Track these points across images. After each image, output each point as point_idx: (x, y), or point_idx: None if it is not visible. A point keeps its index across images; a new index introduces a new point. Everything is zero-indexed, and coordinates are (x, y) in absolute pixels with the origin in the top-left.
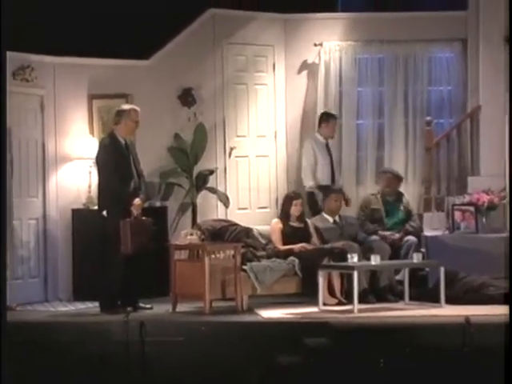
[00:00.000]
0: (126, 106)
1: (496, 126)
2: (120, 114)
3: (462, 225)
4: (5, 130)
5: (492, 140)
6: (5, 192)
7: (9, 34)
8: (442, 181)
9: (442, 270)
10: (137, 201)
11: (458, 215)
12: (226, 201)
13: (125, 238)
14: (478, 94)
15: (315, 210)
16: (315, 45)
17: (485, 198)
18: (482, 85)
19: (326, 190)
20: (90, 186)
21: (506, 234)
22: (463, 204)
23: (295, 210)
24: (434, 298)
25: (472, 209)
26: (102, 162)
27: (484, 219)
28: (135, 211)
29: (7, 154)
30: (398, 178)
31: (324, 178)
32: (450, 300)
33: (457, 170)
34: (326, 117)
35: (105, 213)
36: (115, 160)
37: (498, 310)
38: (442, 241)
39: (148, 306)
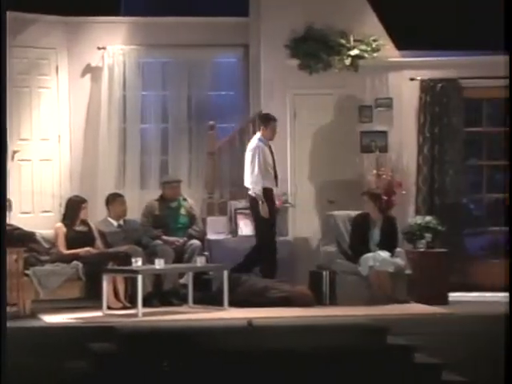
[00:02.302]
0: None
1: (279, 131)
2: None
3: (244, 228)
4: (5, 128)
5: (276, 145)
6: (5, 191)
7: None
8: (224, 185)
9: (226, 273)
10: None
11: (240, 219)
12: (8, 205)
13: None
14: (259, 99)
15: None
16: (99, 48)
17: None
18: (264, 90)
19: (109, 195)
20: None
21: (288, 238)
22: (245, 208)
23: (84, 213)
24: (218, 302)
25: None
26: None
27: None
28: None
29: None
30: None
31: (270, 180)
32: (235, 303)
33: (239, 174)
34: (264, 120)
35: None
36: None
37: (278, 313)
38: (225, 244)
39: None
